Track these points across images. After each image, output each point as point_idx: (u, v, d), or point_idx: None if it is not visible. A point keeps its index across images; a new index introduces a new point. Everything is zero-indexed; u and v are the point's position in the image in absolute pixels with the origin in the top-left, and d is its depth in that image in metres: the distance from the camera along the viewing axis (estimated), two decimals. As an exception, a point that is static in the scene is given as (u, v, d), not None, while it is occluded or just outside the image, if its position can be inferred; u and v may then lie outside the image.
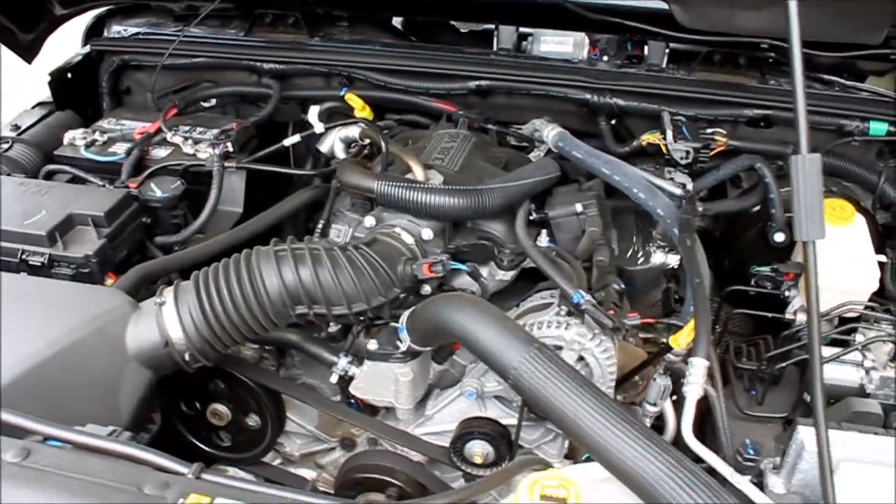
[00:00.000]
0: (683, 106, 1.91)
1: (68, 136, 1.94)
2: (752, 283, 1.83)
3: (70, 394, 1.29)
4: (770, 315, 1.77)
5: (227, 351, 1.41)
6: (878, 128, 1.87)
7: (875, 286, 1.64)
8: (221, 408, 1.65)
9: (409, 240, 1.52)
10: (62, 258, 1.53)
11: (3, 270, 1.50)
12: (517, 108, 2.05)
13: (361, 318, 1.44)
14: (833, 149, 1.90)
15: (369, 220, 1.58)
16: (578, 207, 1.66)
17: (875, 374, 1.48)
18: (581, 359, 1.49)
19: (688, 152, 1.83)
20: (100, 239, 1.56)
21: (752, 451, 1.12)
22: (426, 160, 1.75)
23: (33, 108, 2.11)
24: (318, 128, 1.84)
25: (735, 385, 1.69)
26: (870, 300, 1.65)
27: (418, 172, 1.64)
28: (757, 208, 1.89)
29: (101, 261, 1.55)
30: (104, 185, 1.74)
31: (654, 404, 1.55)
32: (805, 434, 1.20)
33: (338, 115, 2.01)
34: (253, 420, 1.66)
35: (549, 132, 1.78)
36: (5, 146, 1.87)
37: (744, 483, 1.11)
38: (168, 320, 1.34)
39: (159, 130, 1.95)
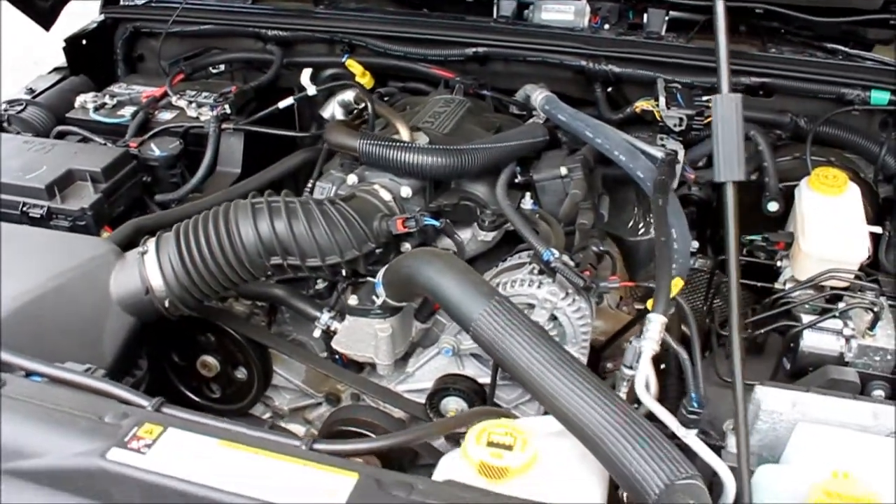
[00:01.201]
0: (679, 73, 1.90)
1: (79, 100, 2.02)
2: (744, 252, 1.83)
3: (56, 334, 1.35)
4: (759, 284, 1.76)
5: (206, 301, 1.47)
6: (880, 97, 1.83)
7: (864, 256, 1.61)
8: (210, 360, 1.71)
9: (386, 196, 1.55)
10: (60, 211, 1.60)
11: (4, 221, 1.58)
12: (515, 75, 2.06)
13: (337, 271, 1.48)
14: (834, 118, 1.86)
15: (352, 178, 1.62)
16: (563, 171, 1.67)
17: (854, 343, 1.47)
18: (554, 318, 1.51)
19: (681, 119, 1.82)
20: (96, 193, 1.63)
21: (696, 405, 1.12)
22: (416, 123, 1.78)
23: (49, 73, 2.19)
24: (311, 90, 1.88)
25: (717, 353, 1.69)
26: (861, 271, 1.63)
27: (404, 133, 1.67)
28: (754, 177, 1.87)
29: (97, 214, 1.62)
30: (105, 144, 1.81)
31: (631, 367, 1.56)
32: (762, 394, 1.21)
33: (341, 81, 2.05)
34: (241, 373, 1.72)
35: (538, 96, 1.79)
36: (19, 108, 1.96)
37: (689, 436, 1.12)
38: (149, 268, 1.40)
39: (165, 94, 2.02)
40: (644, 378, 1.18)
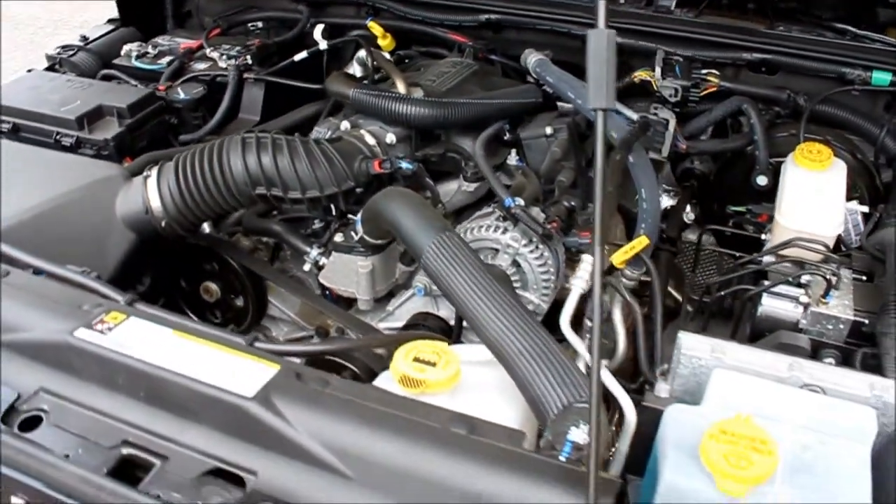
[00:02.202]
0: (682, 46, 1.93)
1: (126, 48, 2.22)
2: (730, 224, 1.86)
3: (65, 242, 1.52)
4: (738, 255, 1.79)
5: (200, 224, 1.61)
6: (881, 77, 1.81)
7: (836, 231, 1.62)
8: (212, 286, 1.86)
9: (371, 141, 1.66)
10: (87, 140, 1.79)
11: (41, 146, 1.78)
12: (527, 42, 2.12)
13: (325, 207, 1.60)
14: (834, 98, 1.86)
15: (344, 124, 1.74)
16: (548, 130, 1.74)
17: (809, 310, 1.49)
18: (517, 265, 1.59)
19: (676, 90, 1.86)
20: (120, 127, 1.81)
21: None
22: (418, 80, 1.88)
23: (104, 24, 2.40)
24: (322, 45, 2.01)
25: (686, 316, 1.74)
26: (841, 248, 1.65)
27: (400, 86, 1.78)
28: (750, 148, 1.89)
29: (119, 145, 1.80)
30: (137, 86, 1.99)
31: (591, 320, 1.63)
32: (684, 339, 1.26)
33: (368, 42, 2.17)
34: (239, 301, 1.87)
35: (532, 59, 1.86)
36: (70, 52, 2.16)
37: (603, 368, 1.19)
38: (150, 191, 1.56)
39: (201, 47, 2.19)
40: (569, 313, 1.25)
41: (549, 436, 1.07)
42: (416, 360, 1.24)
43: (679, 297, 1.86)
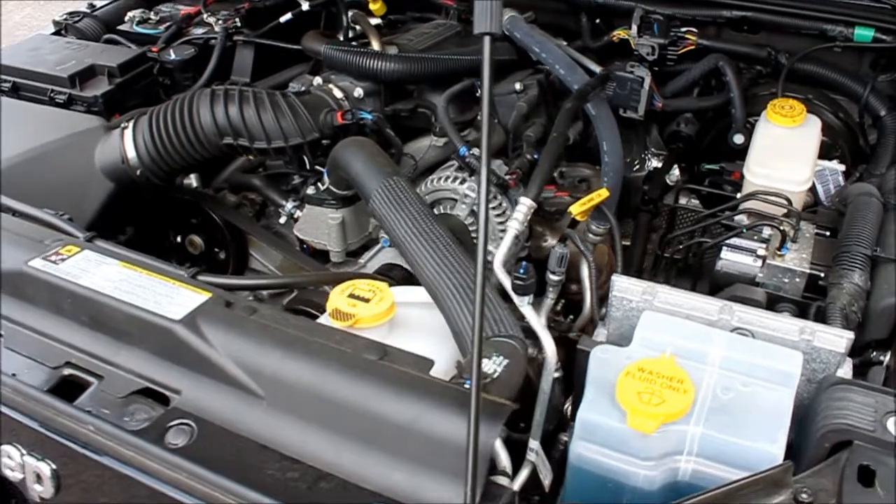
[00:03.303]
0: (661, 5, 1.91)
1: (129, 15, 2.31)
2: (705, 183, 1.85)
3: (46, 189, 1.61)
4: (708, 211, 1.77)
5: (174, 173, 1.68)
6: (864, 34, 1.77)
7: (803, 186, 1.60)
8: (197, 239, 1.93)
9: (339, 95, 1.71)
10: (78, 97, 1.88)
11: (35, 103, 1.88)
12: (514, 4, 2.13)
13: (282, 155, 1.65)
14: (817, 55, 1.82)
15: (317, 80, 1.78)
16: (517, 86, 1.76)
17: (766, 263, 1.48)
18: (475, 214, 1.61)
19: (653, 48, 1.85)
20: (110, 85, 1.89)
21: (522, 272, 1.20)
22: (397, 40, 1.92)
23: (112, -8, 2.49)
24: (304, 5, 2.06)
25: (660, 274, 1.73)
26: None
27: (374, 43, 1.82)
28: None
29: (108, 102, 1.88)
30: (130, 48, 2.07)
31: (554, 272, 1.64)
32: (617, 282, 1.26)
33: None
34: (221, 254, 1.94)
35: (505, 17, 1.87)
36: (76, 18, 2.26)
37: (521, 303, 1.20)
38: (126, 142, 1.64)
39: (199, 13, 2.26)
40: (502, 253, 1.27)
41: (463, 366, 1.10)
42: (352, 296, 1.28)
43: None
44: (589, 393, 1.12)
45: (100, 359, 1.15)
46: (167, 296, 1.18)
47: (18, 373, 1.15)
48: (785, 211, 1.51)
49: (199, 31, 2.22)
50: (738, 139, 1.80)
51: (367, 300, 1.27)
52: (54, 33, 2.23)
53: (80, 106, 1.87)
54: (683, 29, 1.88)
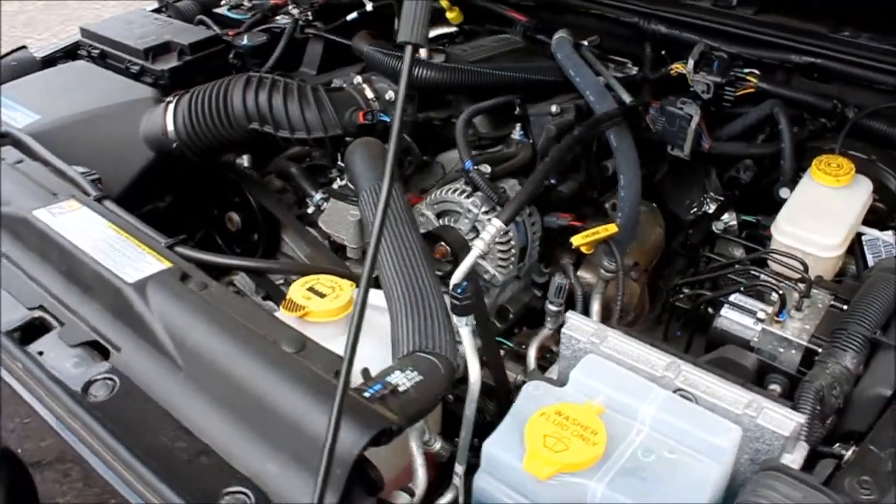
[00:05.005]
0: (727, 42, 1.80)
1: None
2: (742, 235, 1.74)
3: (92, 148, 1.73)
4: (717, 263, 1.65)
5: (207, 150, 1.76)
6: (944, 94, 1.59)
7: (837, 253, 1.47)
8: (235, 217, 2.01)
9: (370, 95, 1.73)
10: (149, 70, 2.02)
11: (113, 71, 2.04)
12: (583, 26, 2.08)
13: (304, 146, 1.70)
14: (888, 112, 1.66)
15: (357, 78, 1.82)
16: (553, 108, 1.71)
17: (761, 328, 1.37)
18: (476, 230, 1.58)
19: (709, 86, 1.75)
20: (178, 61, 2.02)
21: (460, 291, 1.17)
22: (454, 49, 1.92)
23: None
24: (368, 6, 2.10)
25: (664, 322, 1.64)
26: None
27: (422, 50, 1.83)
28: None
29: (174, 77, 2.00)
30: (211, 29, 2.20)
31: (552, 303, 1.60)
32: (570, 320, 1.21)
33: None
34: (255, 236, 2.01)
35: (555, 36, 1.83)
36: (176, -1, 2.44)
37: (460, 323, 1.18)
38: (168, 115, 1.74)
39: (286, 3, 2.37)
40: (462, 272, 1.24)
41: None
42: (311, 289, 1.31)
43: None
44: (504, 426, 1.08)
45: (67, 307, 1.24)
46: (133, 260, 1.25)
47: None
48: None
49: (283, 20, 2.33)
50: (784, 193, 1.67)
51: (323, 295, 1.29)
52: (155, 10, 2.41)
53: (148, 78, 2.01)
54: (746, 70, 1.77)
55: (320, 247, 1.88)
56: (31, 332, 1.22)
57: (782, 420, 1.04)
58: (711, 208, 1.97)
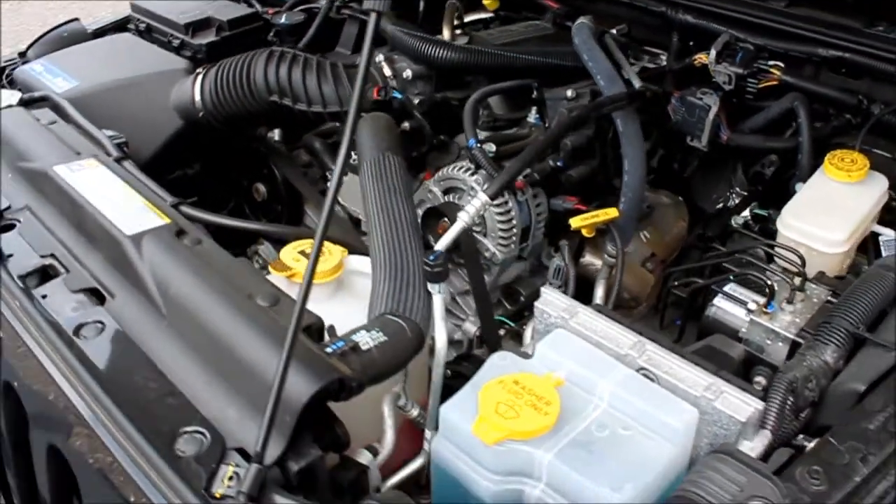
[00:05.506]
0: (755, 34, 1.76)
1: (270, -21, 2.54)
2: (756, 228, 1.71)
3: (125, 113, 1.83)
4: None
5: (232, 120, 1.83)
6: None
7: (841, 249, 1.43)
8: (261, 187, 2.09)
9: (388, 73, 1.77)
10: (188, 44, 2.11)
11: (157, 45, 2.14)
12: (615, 15, 2.06)
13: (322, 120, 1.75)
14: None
15: (379, 56, 1.85)
16: (569, 93, 1.71)
17: (749, 318, 1.34)
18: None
19: (730, 77, 1.72)
20: (216, 37, 2.11)
21: (432, 258, 1.19)
22: (480, 33, 1.95)
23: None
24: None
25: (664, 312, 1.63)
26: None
27: (445, 32, 1.86)
28: None
29: (211, 52, 2.09)
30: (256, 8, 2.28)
31: (552, 284, 1.61)
32: (544, 294, 1.22)
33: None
34: (279, 207, 2.08)
35: (577, 22, 1.83)
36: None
37: (433, 290, 1.20)
38: (196, 85, 1.82)
39: (327, -16, 2.43)
40: (446, 241, 1.27)
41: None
42: (301, 252, 1.36)
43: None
44: (463, 391, 1.10)
45: (74, 256, 1.32)
46: (137, 216, 1.32)
47: (16, 253, 1.35)
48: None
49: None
50: (799, 188, 1.63)
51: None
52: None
53: (187, 52, 2.11)
54: (770, 63, 1.73)
55: (336, 219, 1.93)
56: (42, 277, 1.31)
57: (740, 405, 1.03)
58: (736, 203, 1.95)
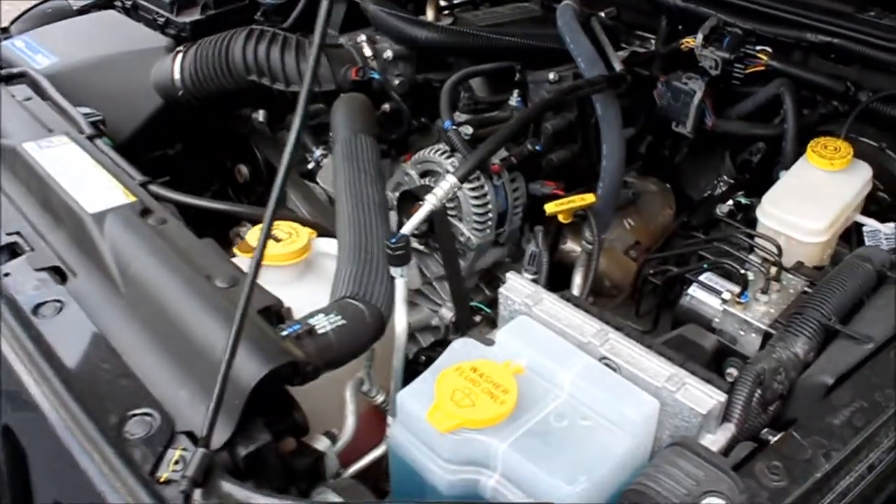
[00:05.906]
0: (744, 18, 1.72)
1: (263, -43, 2.50)
2: (739, 217, 1.68)
3: (103, 91, 1.81)
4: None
5: (210, 99, 1.81)
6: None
7: (821, 238, 1.40)
8: (244, 169, 2.08)
9: (368, 53, 1.75)
10: (173, 22, 2.09)
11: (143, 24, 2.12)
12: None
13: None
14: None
15: (361, 37, 1.83)
16: (552, 75, 1.69)
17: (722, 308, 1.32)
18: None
19: (717, 62, 1.68)
20: (201, 15, 2.08)
21: (394, 241, 1.16)
22: (465, 15, 1.92)
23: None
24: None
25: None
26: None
27: (429, 12, 1.83)
28: None
29: (195, 31, 2.06)
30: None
31: (526, 270, 1.59)
32: (509, 280, 1.19)
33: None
34: (260, 188, 2.06)
35: (562, 3, 1.79)
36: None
37: (395, 273, 1.18)
38: (176, 64, 1.80)
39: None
40: (412, 224, 1.24)
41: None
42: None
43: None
44: (421, 378, 1.08)
45: (39, 234, 1.30)
46: (103, 194, 1.30)
47: (-17, 229, 1.34)
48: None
49: (313, -20, 2.36)
50: (783, 176, 1.60)
51: (279, 240, 1.32)
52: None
53: (172, 30, 2.08)
54: (758, 48, 1.69)
55: (314, 201, 1.91)
56: (9, 255, 1.29)
57: (702, 397, 1.00)
58: (718, 189, 1.92)
